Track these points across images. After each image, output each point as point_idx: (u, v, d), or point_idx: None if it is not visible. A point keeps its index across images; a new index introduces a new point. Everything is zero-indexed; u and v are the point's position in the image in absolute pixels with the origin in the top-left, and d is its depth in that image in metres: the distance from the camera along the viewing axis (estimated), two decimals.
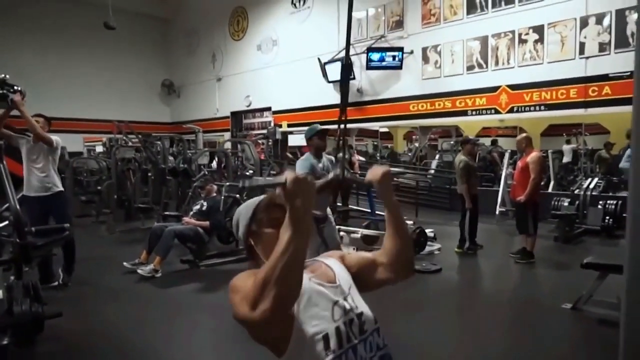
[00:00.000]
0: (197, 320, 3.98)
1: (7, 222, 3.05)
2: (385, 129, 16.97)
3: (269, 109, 14.50)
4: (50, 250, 4.10)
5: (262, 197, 1.40)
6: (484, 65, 9.55)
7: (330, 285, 1.27)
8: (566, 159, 11.50)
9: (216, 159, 10.22)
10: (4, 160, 2.57)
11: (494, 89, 9.39)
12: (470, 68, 9.78)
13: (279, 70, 13.75)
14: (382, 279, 1.39)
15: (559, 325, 3.80)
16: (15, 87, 3.06)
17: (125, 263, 5.29)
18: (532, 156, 5.61)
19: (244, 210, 1.36)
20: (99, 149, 13.52)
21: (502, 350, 3.42)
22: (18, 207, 2.62)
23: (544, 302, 4.57)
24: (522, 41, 8.96)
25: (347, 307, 1.24)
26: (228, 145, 11.32)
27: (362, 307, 1.28)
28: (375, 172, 1.40)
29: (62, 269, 4.81)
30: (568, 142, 12.33)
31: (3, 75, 3.16)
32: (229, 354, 3.40)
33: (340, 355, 1.17)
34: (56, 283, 4.68)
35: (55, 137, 4.56)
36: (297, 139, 11.28)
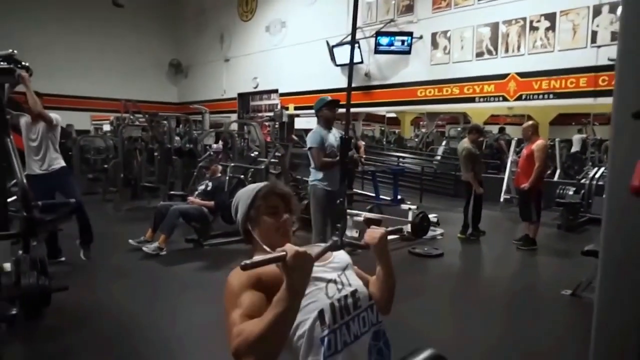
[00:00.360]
0: (200, 297, 4.05)
1: (14, 197, 3.10)
2: (393, 114, 16.91)
3: (276, 91, 14.46)
4: (56, 226, 4.17)
5: (262, 184, 1.44)
6: (494, 52, 9.45)
7: (325, 264, 1.33)
8: (575, 148, 11.43)
9: (220, 141, 10.25)
10: (11, 136, 2.61)
11: (503, 76, 9.31)
12: (479, 54, 9.68)
13: (287, 53, 13.68)
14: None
15: (558, 310, 3.85)
16: (23, 63, 3.09)
17: (130, 240, 5.38)
18: (538, 144, 5.60)
19: (244, 196, 1.40)
20: (107, 127, 13.59)
21: (501, 334, 3.46)
22: (25, 181, 2.67)
23: (544, 288, 4.61)
24: (533, 28, 8.84)
25: (341, 285, 1.30)
26: (234, 126, 11.34)
27: (357, 284, 1.35)
28: (372, 235, 1.42)
29: (80, 243, 4.88)
30: (580, 131, 12.23)
31: (10, 51, 3.18)
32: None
33: (335, 330, 1.23)
34: (63, 258, 4.77)
35: (54, 115, 4.56)
36: (303, 122, 11.26)
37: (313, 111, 4.49)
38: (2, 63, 3.00)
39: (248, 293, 1.19)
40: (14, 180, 3.60)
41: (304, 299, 1.18)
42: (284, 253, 1.06)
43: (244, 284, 1.21)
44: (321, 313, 1.22)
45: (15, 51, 3.17)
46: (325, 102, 4.31)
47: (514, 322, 3.75)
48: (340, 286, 1.30)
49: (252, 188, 1.43)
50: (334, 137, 4.36)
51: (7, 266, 3.02)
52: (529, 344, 3.23)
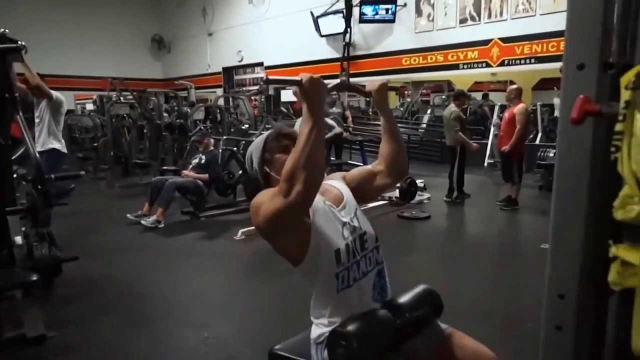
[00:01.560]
0: (198, 265, 4.25)
1: (16, 167, 3.18)
2: None
3: (261, 64, 14.40)
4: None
5: (269, 132, 1.59)
6: (477, 18, 9.54)
7: (340, 208, 1.49)
8: (557, 112, 11.66)
9: (202, 113, 10.24)
10: (20, 113, 2.70)
11: (486, 42, 9.44)
12: (463, 21, 9.77)
13: (271, 25, 13.58)
14: (380, 185, 1.62)
15: (537, 261, 4.11)
16: (19, 43, 3.14)
17: (128, 215, 5.52)
18: (519, 107, 5.81)
19: (256, 146, 1.54)
20: (89, 106, 13.46)
21: (486, 285, 3.74)
22: (38, 155, 2.78)
23: (525, 243, 4.91)
24: None
25: (354, 227, 1.47)
26: (221, 101, 11.35)
27: (366, 226, 1.51)
28: (374, 83, 1.60)
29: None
30: (559, 95, 12.43)
31: (3, 30, 3.23)
32: (230, 293, 3.69)
33: (347, 267, 1.41)
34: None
35: (56, 93, 4.59)
36: (289, 95, 11.32)
37: None
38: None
39: None
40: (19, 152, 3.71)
41: (322, 235, 1.36)
42: (301, 78, 1.21)
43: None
44: (337, 252, 1.39)
45: (7, 30, 3.21)
46: None
47: (498, 274, 4.02)
48: (352, 228, 1.46)
49: (261, 137, 1.56)
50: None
51: (18, 239, 3.16)
52: (512, 293, 3.51)
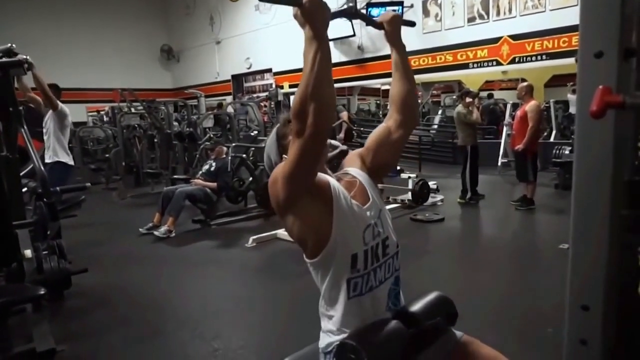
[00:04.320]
0: (209, 274, 4.21)
1: (27, 181, 3.20)
2: (388, 87, 16.88)
3: (269, 70, 14.43)
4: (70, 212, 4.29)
5: (276, 126, 1.49)
6: (485, 16, 9.44)
7: (366, 208, 1.37)
8: (572, 108, 11.43)
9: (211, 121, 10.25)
10: (25, 126, 2.70)
11: (496, 40, 9.33)
12: (471, 20, 9.67)
13: (279, 31, 13.59)
14: (396, 139, 1.49)
15: (555, 263, 4.00)
16: (24, 57, 3.16)
17: (140, 229, 5.47)
18: (531, 105, 5.69)
19: (269, 143, 1.46)
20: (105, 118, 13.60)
21: (503, 287, 3.63)
22: (42, 168, 2.77)
23: (542, 243, 4.78)
24: None
25: (376, 231, 1.36)
26: (231, 108, 11.38)
27: (388, 231, 1.41)
28: (386, 15, 1.52)
29: None
30: (574, 91, 12.18)
31: (9, 45, 3.25)
32: (240, 302, 3.63)
33: (363, 275, 1.31)
34: None
35: (61, 105, 4.60)
36: None
37: None
38: (3, 58, 3.07)
39: None
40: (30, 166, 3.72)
41: (340, 234, 1.26)
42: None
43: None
44: (354, 258, 1.29)
45: (14, 45, 3.23)
46: None
47: (515, 276, 3.91)
48: (375, 233, 1.35)
49: (271, 134, 1.48)
50: None
51: (28, 253, 3.14)
52: (531, 297, 3.40)
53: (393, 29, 1.51)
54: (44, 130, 4.65)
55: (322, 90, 1.10)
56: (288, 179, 1.19)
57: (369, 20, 1.63)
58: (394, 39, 1.52)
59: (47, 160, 4.57)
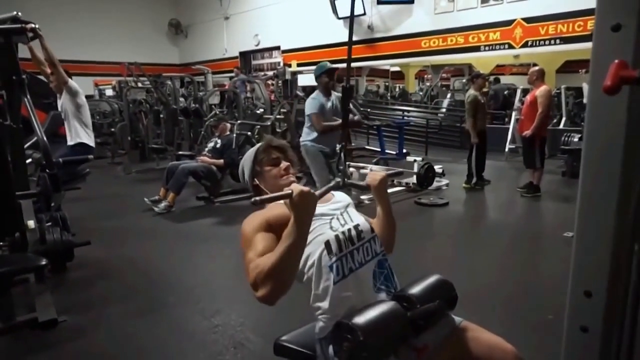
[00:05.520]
0: (211, 251, 4.22)
1: (32, 152, 3.17)
2: (397, 68, 16.66)
3: (277, 48, 14.26)
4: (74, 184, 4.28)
5: (259, 144, 1.61)
6: None
7: (328, 204, 1.51)
8: (586, 98, 11.18)
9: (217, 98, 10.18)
10: (28, 96, 2.67)
11: (509, 22, 9.12)
12: (484, 1, 9.45)
13: (288, 7, 13.40)
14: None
15: (559, 250, 3.97)
16: (32, 25, 3.12)
17: (146, 199, 5.51)
18: (541, 89, 5.58)
19: (247, 158, 1.59)
20: (109, 92, 13.55)
21: (506, 272, 3.61)
22: (45, 139, 2.75)
23: (547, 231, 4.74)
24: None
25: (344, 220, 1.46)
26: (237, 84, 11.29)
27: (358, 219, 1.50)
28: (373, 177, 1.60)
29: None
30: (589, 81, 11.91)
31: (15, 13, 3.20)
32: (241, 279, 3.64)
33: (340, 257, 1.37)
34: None
35: (71, 81, 4.39)
36: (306, 79, 11.17)
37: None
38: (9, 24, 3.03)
39: (260, 235, 1.37)
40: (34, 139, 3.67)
41: (310, 233, 1.33)
42: (291, 191, 1.22)
43: (255, 228, 1.39)
44: (327, 243, 1.37)
45: (20, 13, 3.18)
46: (324, 70, 4.34)
47: (517, 262, 3.89)
48: (343, 221, 1.46)
49: (252, 150, 1.61)
50: (332, 103, 4.41)
51: (31, 223, 3.16)
52: (533, 283, 3.38)
53: (379, 192, 1.61)
54: (62, 115, 4.49)
55: (283, 275, 1.22)
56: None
57: (356, 186, 1.83)
58: (381, 200, 1.63)
59: (69, 143, 4.45)
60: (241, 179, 1.62)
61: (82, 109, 4.49)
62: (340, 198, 1.58)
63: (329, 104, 4.39)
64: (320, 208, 1.41)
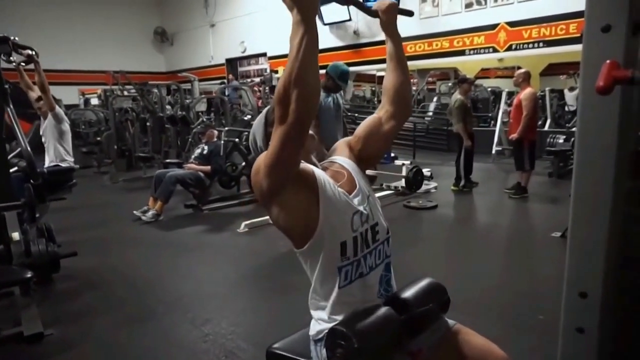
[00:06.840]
0: (200, 259, 4.18)
1: (17, 160, 3.11)
2: (383, 73, 16.77)
3: (264, 54, 14.26)
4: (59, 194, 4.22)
5: (267, 107, 1.44)
6: (483, 2, 9.34)
7: (352, 196, 1.34)
8: (569, 103, 11.04)
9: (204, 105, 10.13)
10: (11, 105, 2.62)
11: (493, 26, 9.25)
12: (468, 5, 9.57)
13: (274, 14, 13.37)
14: (387, 130, 1.47)
15: (547, 250, 4.01)
16: (29, 51, 3.11)
17: (135, 212, 5.41)
18: (525, 93, 5.64)
19: (257, 124, 1.41)
20: (94, 101, 13.41)
21: (495, 273, 3.62)
22: (29, 149, 2.70)
23: (535, 231, 4.78)
24: None
25: (365, 218, 1.33)
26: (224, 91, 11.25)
27: (378, 217, 1.38)
28: (382, 3, 1.47)
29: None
30: (572, 89, 11.90)
31: (13, 38, 3.16)
32: (231, 287, 3.61)
33: (353, 262, 1.29)
34: None
35: (58, 108, 4.53)
36: None
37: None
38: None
39: None
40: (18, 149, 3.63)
41: (331, 222, 1.23)
42: None
43: None
44: (343, 245, 1.27)
45: (17, 38, 3.15)
46: (339, 75, 4.33)
47: (507, 263, 3.92)
48: (364, 219, 1.33)
49: (261, 115, 1.43)
50: (332, 100, 4.42)
51: (16, 235, 3.09)
52: (522, 284, 3.40)
53: (389, 17, 1.46)
54: (42, 137, 4.53)
55: (307, 76, 1.05)
56: (270, 168, 1.15)
57: (363, 8, 1.56)
58: (390, 29, 1.48)
59: (46, 165, 4.45)
60: (253, 149, 1.42)
61: (65, 135, 4.59)
62: (362, 185, 1.39)
63: (329, 100, 4.38)
64: (345, 198, 1.30)
